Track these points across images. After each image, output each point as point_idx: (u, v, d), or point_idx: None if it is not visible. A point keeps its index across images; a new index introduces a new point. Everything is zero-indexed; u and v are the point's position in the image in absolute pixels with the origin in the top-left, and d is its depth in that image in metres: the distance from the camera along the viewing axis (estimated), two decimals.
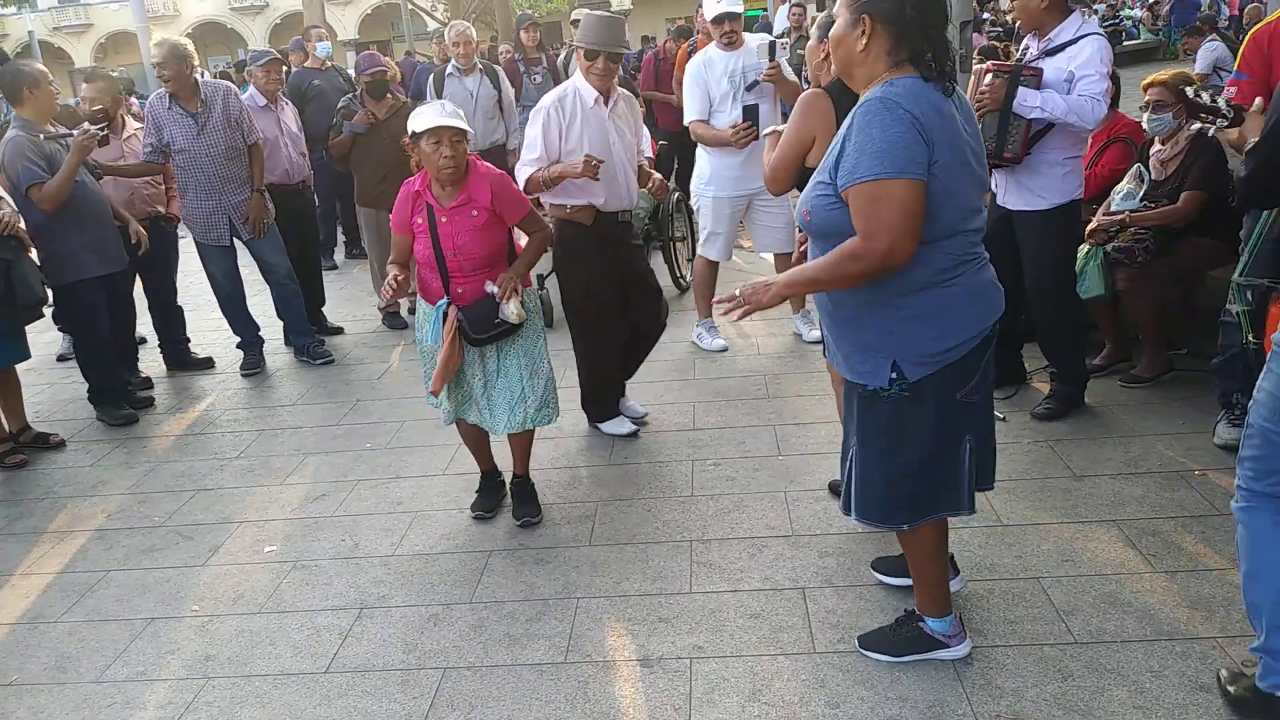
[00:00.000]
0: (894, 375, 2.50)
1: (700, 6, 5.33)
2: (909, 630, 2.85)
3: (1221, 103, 3.58)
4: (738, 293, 2.59)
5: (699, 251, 5.78)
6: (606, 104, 4.22)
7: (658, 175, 4.53)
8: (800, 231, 2.72)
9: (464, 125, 3.46)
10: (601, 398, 4.62)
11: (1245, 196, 2.76)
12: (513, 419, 3.72)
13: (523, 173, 4.21)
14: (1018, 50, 4.35)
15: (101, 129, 5.08)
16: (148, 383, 5.87)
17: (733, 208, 5.48)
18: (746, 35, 5.30)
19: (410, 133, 3.48)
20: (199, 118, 5.53)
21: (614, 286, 4.39)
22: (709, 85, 5.22)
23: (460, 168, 3.49)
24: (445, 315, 3.56)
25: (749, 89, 5.17)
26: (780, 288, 2.55)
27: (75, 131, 4.96)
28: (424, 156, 3.46)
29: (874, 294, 2.45)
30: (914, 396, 2.51)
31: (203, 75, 5.86)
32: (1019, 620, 2.98)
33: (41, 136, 4.94)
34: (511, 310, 3.53)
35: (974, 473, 2.65)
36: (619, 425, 4.62)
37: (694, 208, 5.80)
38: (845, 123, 2.43)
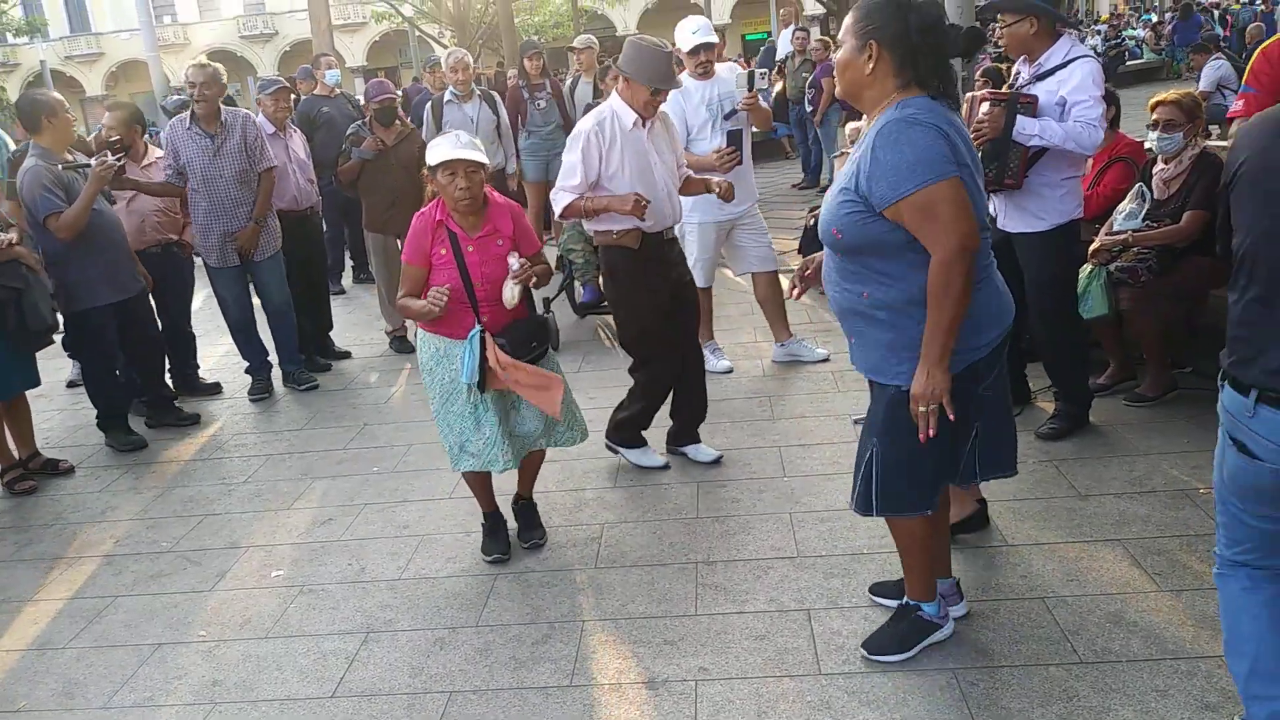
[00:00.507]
0: None
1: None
2: (907, 622, 2.93)
3: None
4: (922, 409, 2.54)
5: None
6: (644, 126, 4.20)
7: (715, 179, 4.44)
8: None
9: (479, 156, 3.44)
10: (632, 419, 4.52)
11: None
12: (540, 440, 3.74)
13: (561, 198, 4.18)
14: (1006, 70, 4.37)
15: (119, 159, 5.17)
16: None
17: (718, 232, 5.53)
18: (717, 65, 5.36)
19: (427, 165, 3.49)
20: (216, 139, 5.65)
21: (665, 304, 4.32)
22: (686, 114, 5.25)
23: (477, 198, 3.47)
24: (483, 344, 3.47)
25: (727, 117, 5.23)
26: (935, 367, 2.50)
27: (93, 161, 5.02)
28: (441, 188, 3.46)
29: (916, 295, 2.52)
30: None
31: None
32: (1024, 640, 2.98)
33: (59, 166, 5.01)
34: (514, 293, 3.49)
35: (977, 452, 2.81)
36: (646, 457, 4.52)
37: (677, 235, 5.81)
38: (863, 142, 2.52)
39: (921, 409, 2.56)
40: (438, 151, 3.42)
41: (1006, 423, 2.87)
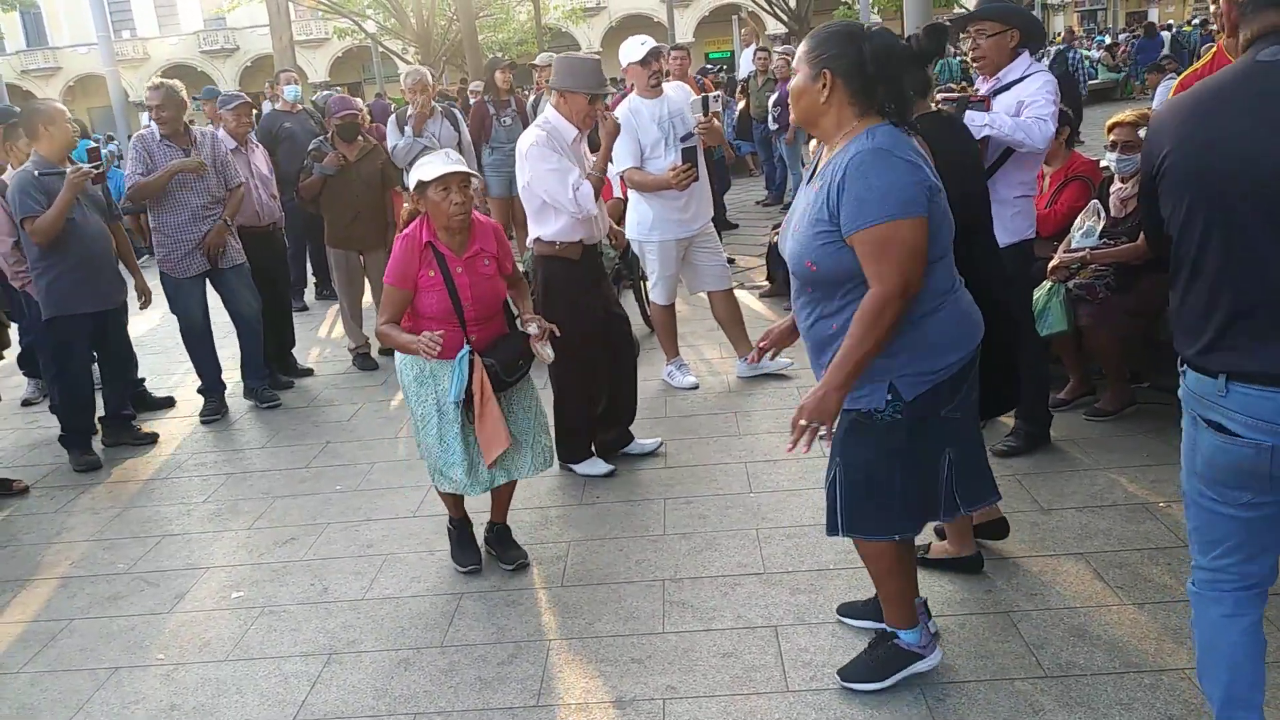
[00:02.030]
0: (889, 397, 2.57)
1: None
2: (885, 650, 2.88)
3: None
4: (802, 422, 2.52)
5: (651, 298, 5.83)
6: (581, 139, 4.37)
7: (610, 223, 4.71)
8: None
9: (471, 170, 3.45)
10: (577, 435, 4.60)
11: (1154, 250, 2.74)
12: (536, 461, 3.72)
13: (586, 190, 4.26)
14: (970, 90, 4.40)
15: (95, 166, 5.15)
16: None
17: (679, 250, 5.56)
18: (666, 85, 5.44)
19: (415, 183, 3.40)
20: (189, 153, 5.67)
21: (597, 315, 4.46)
22: (638, 133, 5.28)
23: (469, 213, 3.43)
24: (471, 365, 3.43)
25: (684, 139, 5.27)
26: (834, 390, 2.49)
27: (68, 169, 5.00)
28: (432, 206, 3.38)
29: None
30: (906, 417, 2.58)
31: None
32: (990, 654, 3.00)
33: (37, 173, 4.98)
34: (549, 351, 3.60)
35: (954, 482, 2.74)
36: (594, 466, 4.60)
37: (637, 254, 5.86)
38: (829, 171, 2.49)
39: (802, 423, 2.52)
40: (430, 168, 3.36)
41: (979, 449, 2.86)
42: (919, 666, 2.86)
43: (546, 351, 3.60)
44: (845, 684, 2.89)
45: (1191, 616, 2.41)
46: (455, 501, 3.84)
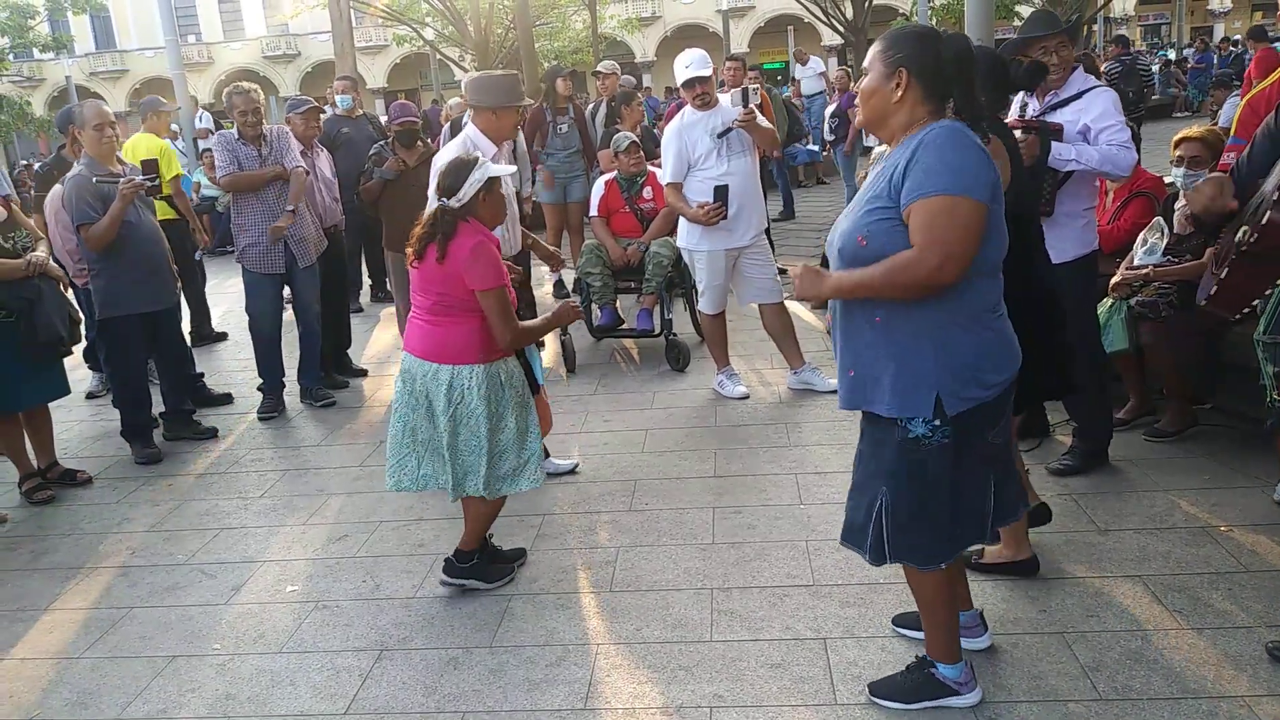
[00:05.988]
0: (937, 421, 2.52)
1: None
2: (921, 676, 2.84)
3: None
4: (792, 276, 2.64)
5: (700, 307, 5.82)
6: (499, 156, 4.45)
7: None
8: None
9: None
10: None
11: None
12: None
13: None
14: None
15: (151, 179, 5.28)
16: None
17: (727, 261, 5.57)
18: (721, 96, 5.49)
19: (486, 180, 3.42)
20: (262, 151, 5.88)
21: None
22: (691, 145, 5.35)
23: None
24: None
25: (720, 135, 5.32)
26: (830, 289, 2.57)
27: (120, 179, 5.12)
28: (495, 202, 3.49)
29: (930, 323, 2.50)
30: (953, 440, 2.55)
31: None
32: (1043, 675, 2.95)
33: (95, 179, 5.11)
34: None
35: (996, 505, 2.74)
36: None
37: (687, 263, 5.87)
38: (895, 156, 2.51)
39: (798, 286, 2.66)
40: (502, 168, 3.55)
41: (1013, 467, 2.88)
42: (953, 701, 2.80)
43: None
44: (873, 698, 2.88)
45: None
46: (491, 522, 3.77)
